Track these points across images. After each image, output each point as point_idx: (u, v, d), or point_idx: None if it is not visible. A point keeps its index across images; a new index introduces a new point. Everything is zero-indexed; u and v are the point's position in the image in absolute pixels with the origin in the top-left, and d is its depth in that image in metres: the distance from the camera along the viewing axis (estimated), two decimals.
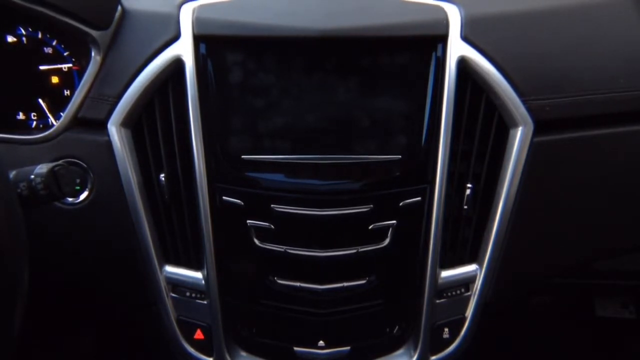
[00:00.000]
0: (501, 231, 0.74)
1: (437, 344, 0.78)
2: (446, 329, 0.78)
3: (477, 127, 0.72)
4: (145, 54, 0.70)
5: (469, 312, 0.78)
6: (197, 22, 0.70)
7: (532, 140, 0.71)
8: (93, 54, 0.71)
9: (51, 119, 0.77)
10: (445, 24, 0.70)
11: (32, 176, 0.61)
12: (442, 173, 0.71)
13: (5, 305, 0.53)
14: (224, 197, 0.71)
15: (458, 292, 0.77)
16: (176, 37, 0.70)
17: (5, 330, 0.53)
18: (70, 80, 0.76)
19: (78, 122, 0.72)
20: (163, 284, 0.76)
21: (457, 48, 0.70)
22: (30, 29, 0.75)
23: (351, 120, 0.71)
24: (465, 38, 0.70)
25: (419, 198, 0.72)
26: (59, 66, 0.76)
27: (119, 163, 0.71)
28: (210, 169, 0.71)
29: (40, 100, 0.77)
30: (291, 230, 0.71)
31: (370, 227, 0.71)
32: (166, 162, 0.72)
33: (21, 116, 0.78)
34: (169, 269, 0.76)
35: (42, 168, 0.61)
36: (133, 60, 0.70)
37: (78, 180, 0.72)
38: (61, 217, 0.73)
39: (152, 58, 0.70)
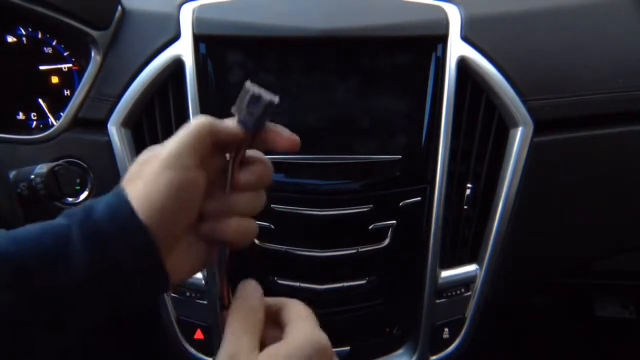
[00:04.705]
0: (501, 231, 0.74)
1: (437, 344, 0.78)
2: (446, 329, 0.78)
3: (477, 127, 0.72)
4: (145, 54, 0.70)
5: (469, 312, 0.77)
6: (197, 22, 0.70)
7: (532, 140, 0.71)
8: (93, 54, 0.71)
9: (51, 119, 0.77)
10: (445, 24, 0.70)
11: (32, 176, 0.60)
12: (442, 173, 0.71)
13: None
14: None
15: (458, 292, 0.77)
16: (176, 37, 0.70)
17: None
18: (70, 80, 0.76)
19: (78, 122, 0.72)
20: None
21: (457, 48, 0.70)
22: (30, 29, 0.75)
23: (351, 120, 0.71)
24: (465, 38, 0.70)
25: (419, 198, 0.72)
26: (59, 66, 0.76)
27: (119, 163, 0.71)
28: None
29: (40, 100, 0.77)
30: (291, 230, 0.71)
31: (370, 227, 0.71)
32: None
33: (21, 116, 0.78)
34: None
35: (42, 168, 0.61)
36: (133, 60, 0.70)
37: (78, 180, 0.71)
38: None
39: (152, 58, 0.70)
